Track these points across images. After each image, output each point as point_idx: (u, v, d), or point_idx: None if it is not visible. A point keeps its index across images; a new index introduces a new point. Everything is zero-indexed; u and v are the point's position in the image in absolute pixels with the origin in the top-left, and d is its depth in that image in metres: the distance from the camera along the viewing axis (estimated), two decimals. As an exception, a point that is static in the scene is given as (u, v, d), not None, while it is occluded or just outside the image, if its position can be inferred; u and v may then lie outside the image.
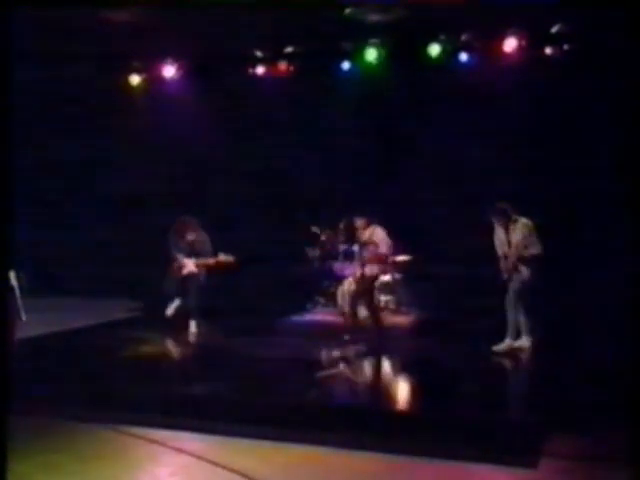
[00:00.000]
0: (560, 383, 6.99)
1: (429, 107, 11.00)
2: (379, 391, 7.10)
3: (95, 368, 7.65)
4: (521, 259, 8.29)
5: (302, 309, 10.46)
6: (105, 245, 12.46)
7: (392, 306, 10.26)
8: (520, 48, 10.38)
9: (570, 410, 6.17)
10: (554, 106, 10.34)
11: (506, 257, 8.37)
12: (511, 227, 8.41)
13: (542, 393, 6.76)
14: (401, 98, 11.15)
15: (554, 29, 10.15)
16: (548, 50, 10.32)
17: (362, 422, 6.06)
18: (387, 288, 10.25)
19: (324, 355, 8.15)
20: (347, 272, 9.93)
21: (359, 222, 8.97)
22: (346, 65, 11.42)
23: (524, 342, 8.38)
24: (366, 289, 9.00)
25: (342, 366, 7.19)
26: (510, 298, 8.38)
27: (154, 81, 12.45)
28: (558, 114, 10.34)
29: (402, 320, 9.99)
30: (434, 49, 10.76)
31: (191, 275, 9.37)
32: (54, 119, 12.47)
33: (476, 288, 8.99)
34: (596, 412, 6.03)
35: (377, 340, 8.58)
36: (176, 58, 12.12)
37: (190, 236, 9.45)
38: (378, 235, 8.93)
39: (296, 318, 10.19)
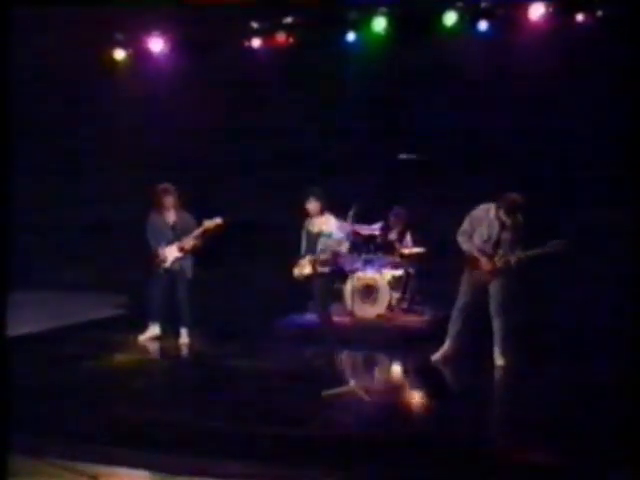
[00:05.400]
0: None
1: (443, 82, 10.05)
2: (398, 415, 5.88)
3: (51, 383, 6.40)
4: (508, 262, 6.97)
5: (303, 308, 9.34)
6: (91, 236, 11.50)
7: (404, 304, 9.21)
8: (548, 15, 9.50)
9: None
10: (585, 80, 9.34)
11: (487, 256, 7.03)
12: (509, 224, 7.01)
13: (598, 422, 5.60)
14: (412, 73, 10.16)
15: (586, -7, 9.22)
16: (579, 17, 9.41)
17: (379, 455, 4.94)
18: (398, 284, 9.21)
19: (330, 366, 7.03)
20: (354, 266, 8.91)
21: (312, 205, 7.52)
22: (351, 36, 10.59)
23: (497, 357, 7.17)
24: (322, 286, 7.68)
25: (352, 382, 6.02)
26: (494, 306, 7.10)
27: (140, 56, 11.54)
28: (590, 89, 9.29)
29: (415, 320, 8.94)
30: (450, 17, 9.94)
31: (178, 272, 8.31)
32: (29, 103, 11.38)
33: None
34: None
35: (330, 343, 7.52)
36: (164, 30, 11.21)
37: (171, 217, 8.43)
38: (331, 224, 7.49)
39: (296, 319, 9.10)
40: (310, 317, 8.67)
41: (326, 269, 7.48)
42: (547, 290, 9.00)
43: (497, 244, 7.05)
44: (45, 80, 11.18)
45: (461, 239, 7.19)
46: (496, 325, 7.14)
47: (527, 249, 6.99)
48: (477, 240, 7.12)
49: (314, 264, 7.43)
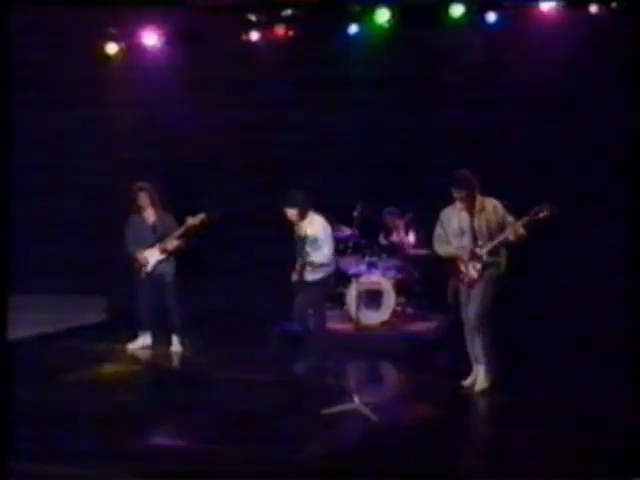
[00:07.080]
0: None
1: (449, 76, 9.61)
2: (410, 437, 5.35)
3: (28, 397, 5.86)
4: (492, 253, 6.24)
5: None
6: (81, 237, 11.02)
7: (410, 310, 8.81)
8: (559, 7, 9.09)
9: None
10: (599, 75, 8.93)
11: (467, 251, 6.31)
12: (477, 208, 6.32)
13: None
14: (417, 66, 9.76)
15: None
16: (593, 9, 8.97)
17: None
18: (403, 288, 8.82)
19: (331, 379, 6.60)
20: (357, 269, 8.54)
21: (290, 213, 7.05)
22: (353, 28, 10.16)
23: (481, 379, 6.49)
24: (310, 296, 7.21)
25: (357, 400, 5.54)
26: (472, 317, 6.38)
27: (133, 50, 11.15)
28: (604, 84, 8.90)
29: (423, 327, 8.55)
30: (457, 9, 9.48)
31: (160, 277, 7.95)
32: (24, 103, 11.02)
33: (515, 287, 7.19)
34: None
35: (322, 353, 7.14)
36: (158, 24, 10.83)
37: (150, 218, 8.06)
38: (316, 227, 7.03)
39: (295, 326, 8.67)
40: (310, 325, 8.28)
41: (315, 277, 7.05)
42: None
43: (474, 236, 6.34)
44: (38, 76, 10.78)
45: (437, 245, 6.59)
46: (477, 342, 6.45)
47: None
48: (454, 241, 6.46)
49: (300, 271, 7.00)
